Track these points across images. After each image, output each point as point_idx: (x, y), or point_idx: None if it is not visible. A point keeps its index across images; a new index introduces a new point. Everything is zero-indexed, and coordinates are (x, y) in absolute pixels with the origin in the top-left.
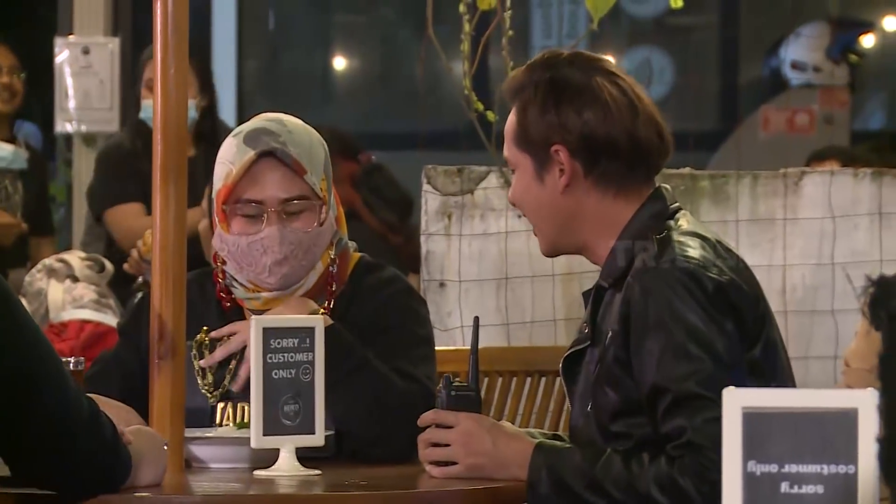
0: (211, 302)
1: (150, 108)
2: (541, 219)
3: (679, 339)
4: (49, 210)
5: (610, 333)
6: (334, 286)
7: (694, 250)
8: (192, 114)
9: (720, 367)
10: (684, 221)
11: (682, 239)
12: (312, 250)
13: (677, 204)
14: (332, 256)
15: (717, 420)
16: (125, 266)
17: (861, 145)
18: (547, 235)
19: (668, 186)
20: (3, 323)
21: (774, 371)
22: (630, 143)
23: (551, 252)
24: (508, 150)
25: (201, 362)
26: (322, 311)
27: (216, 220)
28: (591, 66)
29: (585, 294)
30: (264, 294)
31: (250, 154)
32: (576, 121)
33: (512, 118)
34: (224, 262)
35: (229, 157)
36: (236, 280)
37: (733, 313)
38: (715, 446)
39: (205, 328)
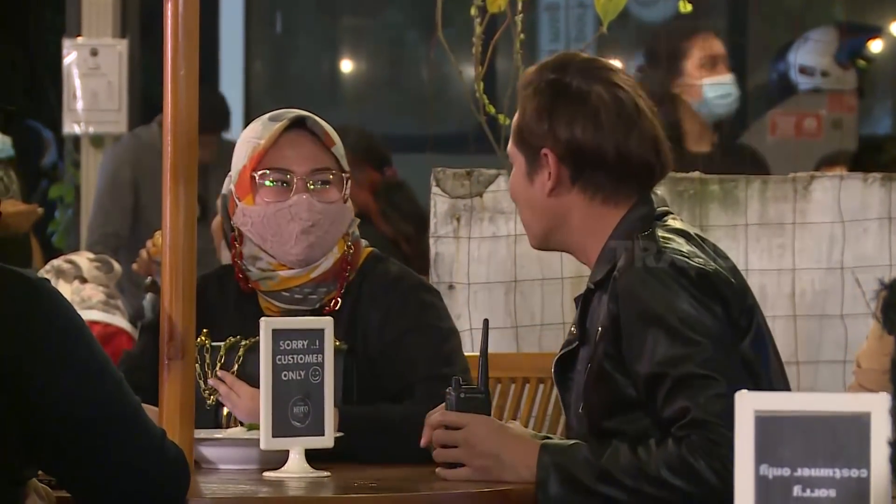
0: (229, 297)
1: None
2: (529, 216)
3: (672, 325)
4: (29, 197)
5: (599, 331)
6: (348, 271)
7: (677, 244)
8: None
9: (717, 348)
10: (671, 222)
11: (665, 235)
12: (336, 224)
13: (665, 207)
14: (349, 244)
15: (722, 396)
16: (134, 266)
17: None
18: (534, 232)
19: (657, 191)
20: (82, 368)
21: (765, 364)
22: (619, 157)
23: (539, 246)
24: (510, 144)
25: (210, 382)
26: (332, 300)
27: (235, 198)
28: (596, 75)
29: (577, 299)
30: (281, 273)
31: (283, 121)
32: (565, 130)
33: (515, 116)
34: (241, 243)
35: (255, 134)
36: (252, 263)
37: (721, 300)
38: (722, 421)
39: (205, 330)
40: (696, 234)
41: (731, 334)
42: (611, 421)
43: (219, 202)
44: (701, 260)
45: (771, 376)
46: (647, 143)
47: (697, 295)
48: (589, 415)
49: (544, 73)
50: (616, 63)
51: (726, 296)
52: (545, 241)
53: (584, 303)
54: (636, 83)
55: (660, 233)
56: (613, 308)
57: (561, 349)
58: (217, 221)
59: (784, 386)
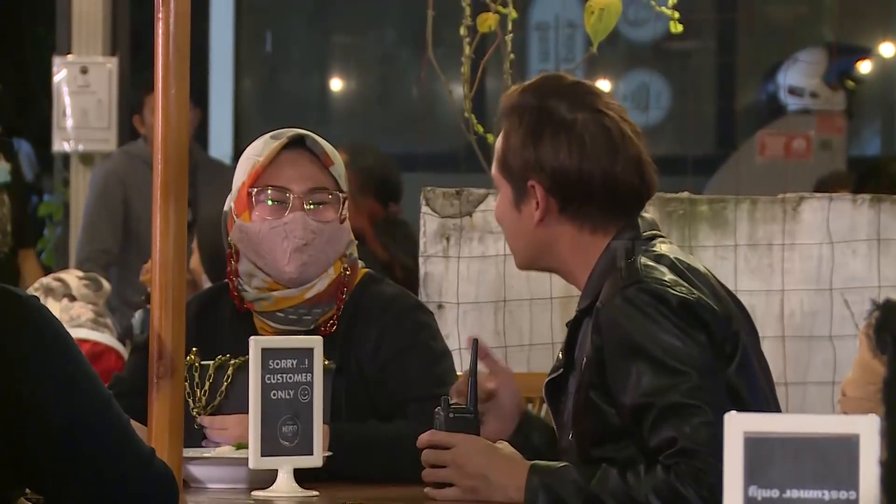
0: (225, 316)
1: None
2: (516, 242)
3: (656, 356)
4: (29, 220)
5: (584, 361)
6: (345, 293)
7: (659, 273)
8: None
9: (703, 377)
10: (659, 246)
11: (648, 263)
12: (331, 244)
13: (653, 231)
14: (345, 266)
15: (708, 425)
16: (142, 278)
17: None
18: (521, 256)
19: (644, 215)
20: (71, 386)
21: (752, 390)
22: (606, 184)
23: (525, 268)
24: (494, 171)
25: (200, 420)
26: (328, 321)
27: (233, 214)
28: (580, 101)
29: (569, 323)
30: (275, 293)
31: (282, 139)
32: (552, 160)
33: (499, 141)
34: (237, 260)
35: (255, 152)
36: (247, 281)
37: (704, 328)
38: (709, 450)
39: (195, 349)
40: (679, 259)
41: (715, 362)
42: (599, 449)
43: (194, 244)
44: (683, 289)
45: (760, 401)
46: (631, 167)
47: (680, 324)
48: (578, 442)
49: (527, 97)
50: (603, 83)
51: (709, 323)
52: (531, 265)
53: (573, 329)
54: (620, 107)
55: (642, 261)
56: (597, 339)
57: (550, 373)
58: (194, 259)
59: (775, 410)
